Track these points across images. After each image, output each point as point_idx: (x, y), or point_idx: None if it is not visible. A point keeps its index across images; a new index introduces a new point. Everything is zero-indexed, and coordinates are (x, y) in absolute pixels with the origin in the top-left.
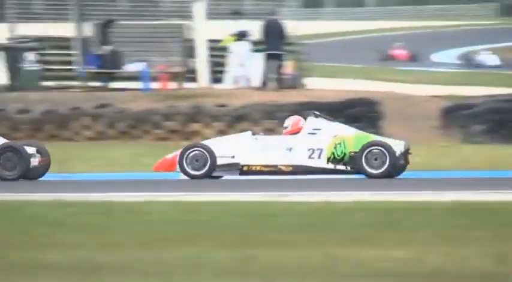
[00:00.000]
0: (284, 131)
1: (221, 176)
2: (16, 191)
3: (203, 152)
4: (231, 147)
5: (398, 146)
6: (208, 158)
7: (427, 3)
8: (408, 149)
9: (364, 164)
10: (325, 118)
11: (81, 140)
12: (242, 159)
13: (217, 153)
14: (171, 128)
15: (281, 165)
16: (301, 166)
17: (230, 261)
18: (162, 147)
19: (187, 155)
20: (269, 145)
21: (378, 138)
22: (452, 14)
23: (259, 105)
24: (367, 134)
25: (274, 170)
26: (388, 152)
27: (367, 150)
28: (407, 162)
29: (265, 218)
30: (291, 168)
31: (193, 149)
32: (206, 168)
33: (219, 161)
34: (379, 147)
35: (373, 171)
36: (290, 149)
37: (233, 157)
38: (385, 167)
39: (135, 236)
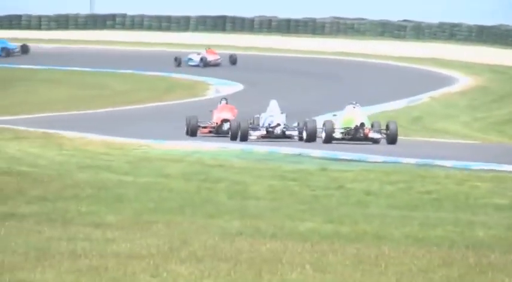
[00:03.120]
0: None
1: None
2: None
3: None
4: None
5: (355, 121)
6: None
7: None
8: (362, 124)
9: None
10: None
11: None
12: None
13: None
14: None
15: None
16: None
17: None
18: None
19: None
20: None
21: (358, 118)
22: None
23: None
24: (353, 117)
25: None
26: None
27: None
28: (361, 134)
29: None
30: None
31: None
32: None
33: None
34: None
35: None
36: None
37: None
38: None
39: None
